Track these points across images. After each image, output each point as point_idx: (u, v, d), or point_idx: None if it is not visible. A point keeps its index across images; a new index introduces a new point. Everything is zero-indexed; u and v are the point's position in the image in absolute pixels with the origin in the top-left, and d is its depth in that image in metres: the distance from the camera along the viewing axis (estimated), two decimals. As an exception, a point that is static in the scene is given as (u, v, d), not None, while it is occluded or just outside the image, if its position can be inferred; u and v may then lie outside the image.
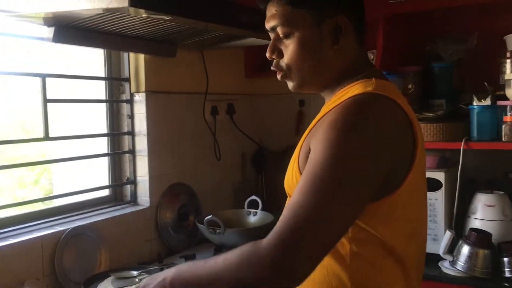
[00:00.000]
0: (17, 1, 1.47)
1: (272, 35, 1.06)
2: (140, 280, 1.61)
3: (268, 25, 1.05)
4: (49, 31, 1.61)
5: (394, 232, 0.97)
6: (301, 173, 0.97)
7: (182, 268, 1.04)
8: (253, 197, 2.28)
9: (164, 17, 1.32)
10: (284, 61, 1.05)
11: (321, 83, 1.07)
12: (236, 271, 0.90)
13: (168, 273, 1.04)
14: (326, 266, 0.97)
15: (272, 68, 1.08)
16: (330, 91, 1.06)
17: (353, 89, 0.98)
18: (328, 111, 0.97)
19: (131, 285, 1.58)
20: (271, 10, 1.04)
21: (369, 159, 0.90)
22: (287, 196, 1.07)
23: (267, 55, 1.07)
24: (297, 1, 1.00)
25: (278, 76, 1.08)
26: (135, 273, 1.68)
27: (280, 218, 0.89)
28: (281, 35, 1.04)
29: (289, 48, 1.03)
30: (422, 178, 1.04)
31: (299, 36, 1.02)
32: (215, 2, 1.63)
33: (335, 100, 0.99)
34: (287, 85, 1.10)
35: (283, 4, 1.01)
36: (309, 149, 0.95)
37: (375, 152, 0.90)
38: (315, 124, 1.00)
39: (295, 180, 0.99)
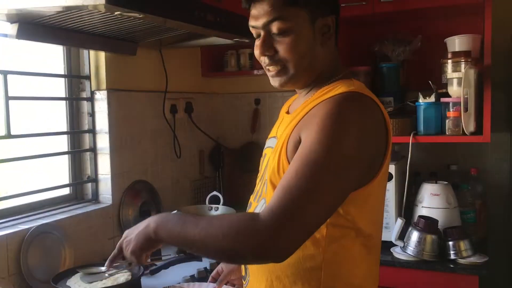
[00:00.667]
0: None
1: (259, 33, 1.09)
2: (110, 275, 1.63)
3: (259, 22, 1.07)
4: (12, 28, 1.60)
5: (366, 219, 1.07)
6: (289, 162, 1.03)
7: (167, 218, 1.04)
8: (214, 192, 2.34)
9: (137, 14, 1.35)
10: (279, 57, 1.08)
11: (308, 79, 1.13)
12: (229, 239, 0.93)
13: (150, 221, 1.05)
14: (302, 248, 1.04)
15: (265, 65, 1.11)
16: (311, 90, 1.14)
17: (337, 87, 1.06)
18: (316, 105, 1.05)
19: (100, 280, 1.60)
20: (263, 6, 1.05)
21: (358, 149, 0.98)
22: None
23: (260, 51, 1.08)
24: (295, 0, 1.04)
25: (270, 73, 1.12)
26: (103, 268, 1.68)
27: (274, 197, 0.95)
28: (276, 31, 1.05)
29: (286, 44, 1.05)
30: (388, 172, 1.14)
31: (297, 33, 1.05)
32: (180, 1, 1.67)
33: (320, 95, 1.07)
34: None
35: (281, 3, 1.04)
36: (299, 139, 1.02)
37: (363, 143, 0.99)
38: (302, 117, 1.07)
39: (282, 168, 1.05)
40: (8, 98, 1.71)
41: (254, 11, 1.08)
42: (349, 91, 1.04)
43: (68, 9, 1.39)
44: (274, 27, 1.06)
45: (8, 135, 1.71)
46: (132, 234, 1.08)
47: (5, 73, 1.71)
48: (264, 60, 1.11)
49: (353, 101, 1.02)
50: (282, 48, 1.07)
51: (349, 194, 1.00)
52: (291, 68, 1.09)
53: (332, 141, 0.96)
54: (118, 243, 1.15)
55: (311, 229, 0.95)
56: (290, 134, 1.07)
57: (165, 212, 1.11)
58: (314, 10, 1.06)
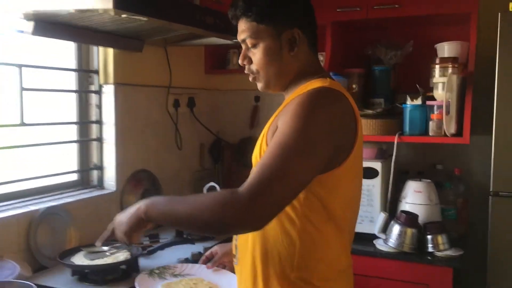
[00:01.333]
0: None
1: (243, 46, 1.29)
2: (111, 253, 1.79)
3: (239, 37, 1.27)
4: (28, 25, 1.74)
5: (337, 201, 1.21)
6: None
7: (157, 200, 1.18)
8: (211, 183, 2.48)
9: (141, 18, 1.50)
10: (253, 66, 1.27)
11: (283, 83, 1.30)
12: (212, 211, 1.07)
13: (141, 204, 1.19)
14: (280, 226, 1.19)
15: (245, 71, 1.31)
16: (291, 90, 1.29)
17: (312, 84, 1.21)
18: (292, 99, 1.19)
19: (102, 258, 1.76)
20: (241, 26, 1.26)
21: (325, 133, 1.13)
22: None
23: (239, 61, 1.30)
24: (261, 18, 1.22)
25: (250, 78, 1.31)
26: (105, 248, 1.84)
27: (252, 174, 1.09)
28: (249, 46, 1.26)
29: (256, 55, 1.25)
30: (359, 161, 1.28)
31: (263, 46, 1.24)
32: (181, 5, 1.81)
33: (298, 92, 1.22)
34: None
35: (250, 21, 1.23)
36: (277, 127, 1.16)
37: (329, 129, 1.14)
38: (281, 109, 1.21)
39: (262, 153, 1.20)
40: (22, 89, 1.86)
41: (238, 28, 1.28)
42: (322, 86, 1.19)
43: (80, 11, 1.54)
44: (248, 42, 1.25)
45: (22, 123, 1.87)
46: (123, 217, 1.23)
47: (20, 66, 1.86)
48: (245, 68, 1.30)
49: (324, 93, 1.18)
50: (254, 58, 1.26)
51: (316, 174, 1.14)
52: (262, 75, 1.27)
53: (301, 125, 1.11)
54: (110, 225, 1.30)
55: (282, 202, 1.09)
56: (271, 124, 1.22)
57: (158, 196, 1.25)
58: (279, 26, 1.23)
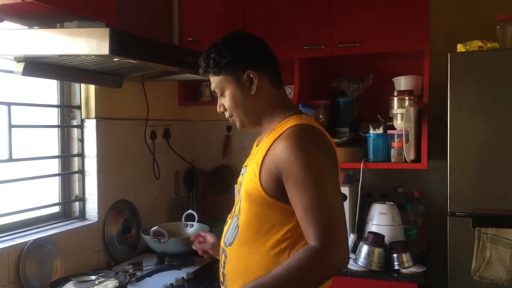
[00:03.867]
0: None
1: (217, 95, 1.48)
2: (99, 282, 1.87)
3: (212, 88, 1.48)
4: (18, 66, 1.84)
5: None
6: (263, 189, 1.33)
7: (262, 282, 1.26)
8: (190, 211, 2.60)
9: (132, 60, 1.64)
10: (227, 112, 1.47)
11: (255, 120, 1.47)
12: (317, 276, 1.24)
13: None
14: (271, 255, 1.34)
15: (226, 117, 1.49)
16: (267, 125, 1.45)
17: (290, 121, 1.37)
18: (276, 138, 1.34)
19: (92, 286, 1.83)
20: (210, 79, 1.47)
21: (331, 167, 1.32)
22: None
23: (218, 110, 1.49)
24: (218, 71, 1.42)
25: (230, 120, 1.49)
26: (93, 277, 1.92)
27: (312, 230, 1.24)
28: (219, 94, 1.46)
29: (226, 102, 1.45)
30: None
31: (228, 93, 1.43)
32: (165, 47, 1.96)
33: (278, 131, 1.37)
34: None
35: (212, 75, 1.44)
36: (275, 172, 1.31)
37: (330, 161, 1.32)
38: (269, 147, 1.35)
39: (254, 188, 1.35)
40: (11, 126, 1.94)
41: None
42: (301, 123, 1.35)
43: (73, 55, 1.65)
44: (217, 92, 1.46)
45: (10, 159, 1.94)
46: None
47: (9, 104, 1.95)
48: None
49: (308, 132, 1.34)
50: (225, 105, 1.46)
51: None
52: (236, 117, 1.47)
53: (314, 168, 1.27)
54: None
55: (344, 228, 1.26)
56: (261, 163, 1.35)
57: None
58: (234, 73, 1.41)
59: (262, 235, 1.36)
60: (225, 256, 1.44)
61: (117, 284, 1.86)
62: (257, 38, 1.47)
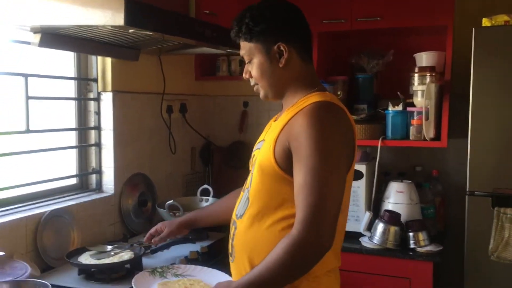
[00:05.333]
0: (12, 13, 1.70)
1: (245, 61, 1.45)
2: (115, 253, 1.89)
3: (241, 54, 1.45)
4: (35, 37, 1.83)
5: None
6: (276, 162, 1.31)
7: (246, 281, 1.28)
8: (205, 186, 2.60)
9: (148, 32, 1.61)
10: (253, 79, 1.45)
11: (279, 93, 1.44)
12: (294, 267, 1.24)
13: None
14: (278, 229, 1.32)
15: (251, 84, 1.47)
16: (290, 99, 1.42)
17: (312, 98, 1.33)
18: (296, 113, 1.31)
19: (108, 257, 1.85)
20: (241, 44, 1.44)
21: (342, 147, 1.29)
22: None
23: (243, 75, 1.47)
24: (249, 37, 1.39)
25: (254, 89, 1.47)
26: (109, 247, 1.94)
27: (298, 211, 1.23)
28: (247, 61, 1.44)
29: (253, 70, 1.43)
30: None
31: (256, 61, 1.41)
32: (181, 19, 1.93)
33: (298, 106, 1.34)
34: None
35: (243, 41, 1.42)
36: (288, 145, 1.29)
37: (343, 142, 1.29)
38: (286, 122, 1.33)
39: (268, 160, 1.33)
40: (28, 97, 1.95)
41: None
42: (323, 100, 1.32)
43: (88, 26, 1.64)
44: (245, 58, 1.44)
45: (27, 130, 1.95)
46: None
47: (26, 75, 1.95)
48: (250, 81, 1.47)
49: (328, 109, 1.31)
50: (252, 72, 1.44)
51: (345, 183, 1.29)
52: (261, 86, 1.44)
53: (321, 147, 1.24)
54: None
55: (335, 218, 1.24)
56: (277, 137, 1.33)
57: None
58: (266, 42, 1.38)
59: (272, 209, 1.35)
60: (235, 228, 1.44)
61: (132, 256, 1.87)
62: (294, 8, 1.42)
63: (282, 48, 1.37)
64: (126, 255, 1.87)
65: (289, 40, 1.38)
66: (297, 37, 1.41)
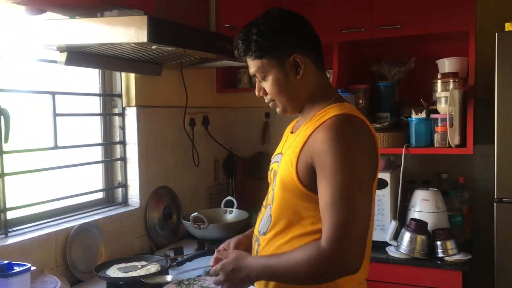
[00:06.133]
0: (39, 33, 1.75)
1: (256, 79, 1.41)
2: (142, 266, 1.91)
3: (250, 72, 1.40)
4: (61, 56, 1.89)
5: None
6: (299, 179, 1.29)
7: (262, 272, 1.29)
8: (229, 197, 2.61)
9: (170, 48, 1.65)
10: (268, 96, 1.40)
11: (298, 106, 1.41)
12: (312, 277, 1.23)
13: (250, 273, 1.30)
14: (308, 241, 1.31)
15: (265, 101, 1.42)
16: (308, 111, 1.40)
17: (332, 111, 1.31)
18: (316, 128, 1.29)
19: (135, 270, 1.87)
20: (248, 62, 1.38)
21: (367, 161, 1.26)
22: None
23: (256, 93, 1.42)
24: (261, 55, 1.33)
25: (270, 105, 1.42)
26: (136, 263, 1.97)
27: (326, 227, 1.20)
28: (260, 78, 1.38)
29: (268, 87, 1.37)
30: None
31: (271, 78, 1.35)
32: (202, 34, 1.97)
33: (318, 119, 1.32)
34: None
35: (253, 59, 1.35)
36: (311, 163, 1.26)
37: (369, 154, 1.27)
38: (307, 137, 1.30)
39: (290, 178, 1.31)
40: (55, 115, 2.00)
41: (248, 63, 1.40)
42: (343, 113, 1.29)
43: (112, 44, 1.68)
44: (258, 76, 1.39)
45: (55, 147, 2.00)
46: (232, 277, 1.33)
47: (53, 93, 2.00)
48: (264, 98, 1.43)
49: (349, 123, 1.28)
50: (267, 89, 1.38)
51: (371, 198, 1.28)
52: (278, 102, 1.40)
53: (347, 164, 1.21)
54: (217, 269, 1.37)
55: (363, 237, 1.22)
56: (299, 152, 1.30)
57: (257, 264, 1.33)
58: (279, 56, 1.33)
59: (295, 225, 1.33)
60: (258, 245, 1.43)
61: (159, 268, 1.89)
62: (300, 16, 1.38)
63: (298, 59, 1.33)
64: (153, 267, 1.89)
65: (303, 50, 1.35)
66: (310, 46, 1.37)
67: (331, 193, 1.21)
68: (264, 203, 1.48)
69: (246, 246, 1.54)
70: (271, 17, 1.35)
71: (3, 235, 1.79)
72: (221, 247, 1.58)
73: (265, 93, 1.40)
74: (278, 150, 1.49)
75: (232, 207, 2.59)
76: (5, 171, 1.80)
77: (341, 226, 1.18)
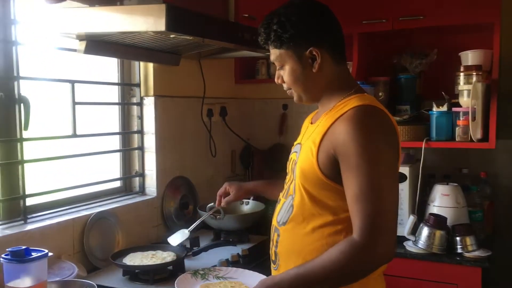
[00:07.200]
0: (58, 22, 1.76)
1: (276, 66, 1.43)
2: (159, 255, 1.91)
3: (271, 59, 1.43)
4: (80, 44, 1.89)
5: None
6: (320, 169, 1.28)
7: (293, 274, 1.27)
8: (246, 188, 2.60)
9: (188, 37, 1.64)
10: (285, 84, 1.43)
11: (313, 97, 1.42)
12: (350, 275, 1.22)
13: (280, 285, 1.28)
14: (326, 237, 1.31)
15: (284, 89, 1.45)
16: (326, 102, 1.39)
17: (352, 102, 1.30)
18: (337, 119, 1.28)
19: (151, 258, 1.88)
20: (270, 51, 1.41)
21: (391, 150, 1.26)
22: None
23: (275, 80, 1.45)
24: (279, 44, 1.36)
25: (288, 92, 1.45)
26: (152, 251, 1.98)
27: (357, 220, 1.19)
28: (278, 67, 1.42)
29: (285, 76, 1.40)
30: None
31: (288, 67, 1.38)
32: (221, 23, 1.95)
33: (338, 110, 1.31)
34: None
35: (273, 47, 1.39)
36: (333, 153, 1.26)
37: (391, 145, 1.27)
38: (328, 128, 1.30)
39: (312, 169, 1.31)
40: (74, 103, 2.01)
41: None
42: (363, 104, 1.28)
43: (131, 32, 1.68)
44: (276, 64, 1.42)
45: (74, 135, 2.02)
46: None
47: (73, 82, 2.01)
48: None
49: (371, 114, 1.27)
50: (284, 78, 1.41)
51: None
52: (294, 91, 1.42)
53: (373, 156, 1.21)
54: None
55: (394, 227, 1.22)
56: (320, 142, 1.30)
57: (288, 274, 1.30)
58: (297, 48, 1.35)
59: (317, 216, 1.33)
60: (278, 235, 1.42)
61: (175, 258, 1.90)
62: (322, 8, 1.37)
63: (314, 53, 1.33)
64: (169, 256, 1.90)
65: (321, 43, 1.34)
66: (329, 39, 1.36)
67: (359, 184, 1.20)
68: (283, 193, 1.48)
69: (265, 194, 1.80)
70: (292, 8, 1.36)
71: (22, 221, 1.82)
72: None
73: (283, 81, 1.43)
74: (298, 141, 1.49)
75: (249, 198, 2.58)
76: (25, 158, 1.82)
77: (373, 217, 1.18)
